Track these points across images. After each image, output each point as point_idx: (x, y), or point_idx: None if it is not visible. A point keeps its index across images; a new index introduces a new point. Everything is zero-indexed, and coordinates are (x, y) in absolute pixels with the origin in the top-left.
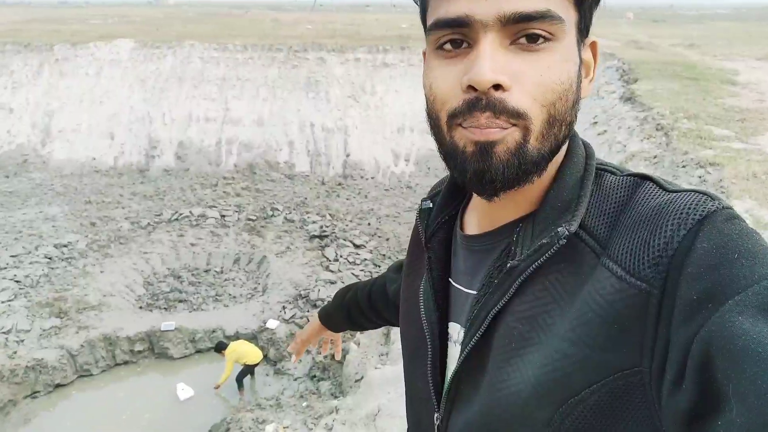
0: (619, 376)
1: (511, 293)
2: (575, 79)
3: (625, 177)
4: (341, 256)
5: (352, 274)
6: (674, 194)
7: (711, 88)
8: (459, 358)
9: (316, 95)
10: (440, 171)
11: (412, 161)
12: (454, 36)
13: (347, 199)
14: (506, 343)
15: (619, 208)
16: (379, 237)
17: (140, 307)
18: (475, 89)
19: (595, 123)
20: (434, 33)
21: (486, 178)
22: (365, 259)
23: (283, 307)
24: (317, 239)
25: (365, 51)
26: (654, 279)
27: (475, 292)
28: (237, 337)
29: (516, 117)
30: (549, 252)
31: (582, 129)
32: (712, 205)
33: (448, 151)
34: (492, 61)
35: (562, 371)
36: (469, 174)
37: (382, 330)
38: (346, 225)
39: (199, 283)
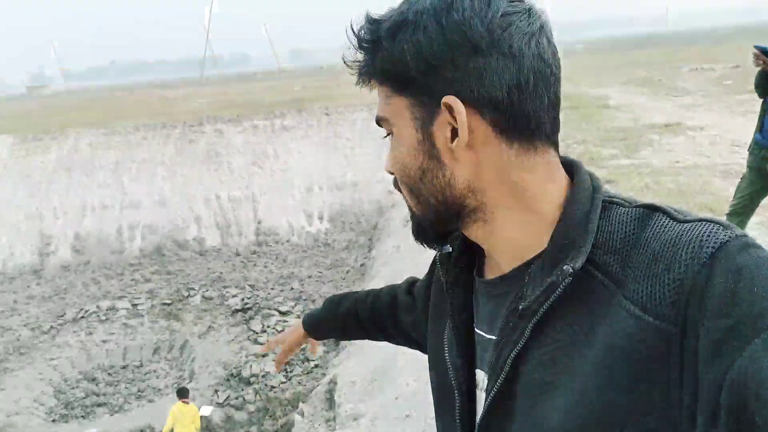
0: (649, 419)
1: (527, 336)
2: (409, 156)
3: (634, 209)
4: (268, 327)
5: None
6: (686, 225)
7: (590, 113)
8: (484, 405)
9: (218, 167)
10: (354, 225)
11: (326, 218)
12: None
13: (265, 266)
14: (530, 388)
15: (631, 243)
16: (305, 300)
17: (53, 420)
18: None
19: None
20: None
21: (415, 237)
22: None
23: (216, 391)
24: (240, 313)
25: (262, 118)
26: (673, 318)
27: (495, 338)
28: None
29: (397, 189)
30: (557, 291)
31: None
32: (725, 235)
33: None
34: (387, 154)
35: (591, 416)
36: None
37: (325, 394)
38: (268, 293)
39: (118, 381)
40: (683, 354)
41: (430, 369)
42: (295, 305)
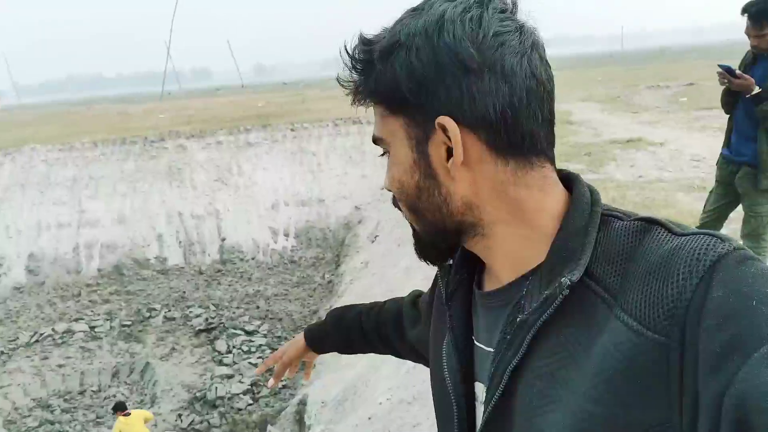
0: None
1: (525, 348)
2: (411, 174)
3: (632, 222)
4: (234, 347)
5: (249, 363)
6: (683, 238)
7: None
8: (482, 418)
9: (180, 183)
10: (321, 241)
11: (291, 235)
12: None
13: (230, 285)
14: (528, 401)
15: (628, 255)
16: (271, 319)
17: None
18: None
19: None
20: None
21: (417, 254)
22: (261, 345)
23: (179, 416)
24: (204, 333)
25: (226, 133)
26: (671, 332)
27: (492, 350)
28: None
29: (397, 206)
30: (555, 303)
31: None
32: (723, 248)
33: None
34: (386, 171)
35: (590, 430)
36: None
37: (294, 416)
38: (233, 312)
39: (74, 408)
40: (682, 368)
41: (431, 381)
42: (262, 324)
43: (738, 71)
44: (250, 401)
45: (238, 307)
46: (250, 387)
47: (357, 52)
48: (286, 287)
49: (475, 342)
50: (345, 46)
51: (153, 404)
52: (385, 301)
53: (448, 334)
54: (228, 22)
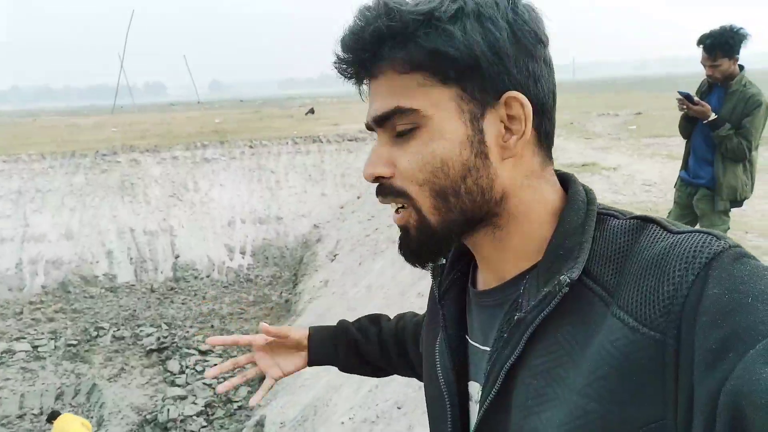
0: (644, 431)
1: (522, 346)
2: (454, 150)
3: (628, 220)
4: (187, 367)
5: (204, 384)
6: (679, 236)
7: None
8: (477, 417)
9: (133, 198)
10: (278, 259)
11: (248, 253)
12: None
13: (183, 303)
14: (524, 400)
15: (625, 253)
16: None
17: None
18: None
19: None
20: None
21: (408, 257)
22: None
23: None
24: (156, 353)
25: (182, 149)
26: (667, 328)
27: (488, 349)
28: None
29: (399, 195)
30: (554, 301)
31: None
32: (719, 246)
33: None
34: (374, 156)
35: (584, 429)
36: (402, 253)
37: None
38: (187, 332)
39: None
40: (678, 364)
41: (425, 382)
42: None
43: (696, 98)
44: (204, 423)
45: (191, 326)
46: (204, 408)
47: (397, 12)
48: (242, 306)
49: (469, 341)
50: (367, 7)
51: (100, 428)
52: (401, 314)
53: (441, 332)
54: (184, 37)
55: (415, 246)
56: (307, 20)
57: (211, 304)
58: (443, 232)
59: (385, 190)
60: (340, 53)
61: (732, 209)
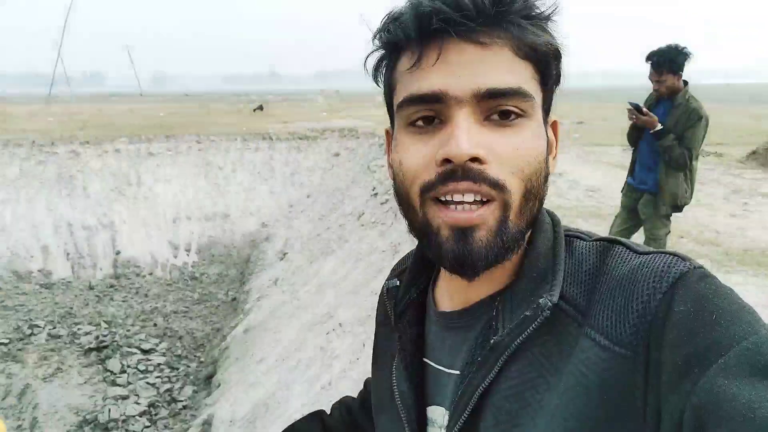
0: None
1: (497, 370)
2: (545, 154)
3: (594, 242)
4: (129, 366)
5: (147, 383)
6: (645, 257)
7: None
8: None
9: (71, 192)
10: (225, 257)
11: (193, 251)
12: (427, 112)
13: (124, 300)
14: (494, 423)
15: (594, 274)
16: (170, 336)
17: None
18: (451, 162)
19: (375, 194)
20: (406, 109)
21: (467, 262)
22: (159, 364)
23: None
24: (95, 352)
25: (126, 141)
26: (636, 345)
27: (457, 372)
28: None
29: (495, 187)
30: (533, 325)
31: (364, 200)
32: (684, 266)
33: (421, 230)
34: (468, 134)
35: None
36: (448, 259)
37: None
38: (128, 330)
39: None
40: (647, 380)
41: (375, 412)
42: (160, 342)
43: (645, 109)
44: (147, 423)
45: (133, 325)
46: (147, 408)
47: None
48: (187, 304)
49: (430, 363)
50: None
51: (33, 430)
52: (341, 399)
53: (398, 355)
54: (126, 26)
55: (485, 251)
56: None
57: (154, 302)
58: (514, 241)
59: (480, 175)
60: (448, 4)
61: (672, 214)
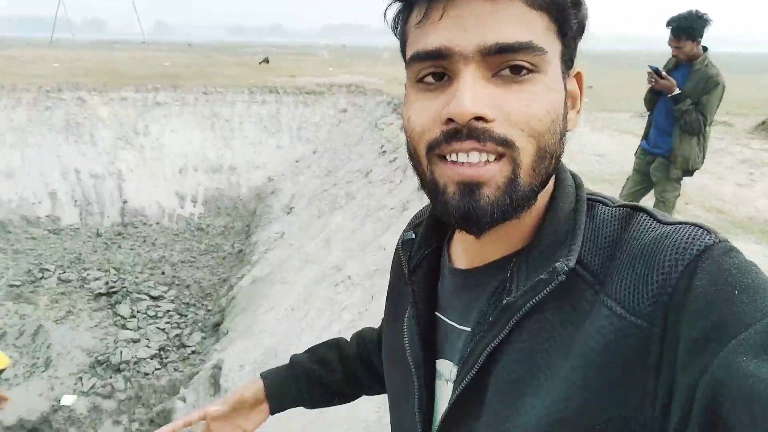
0: (622, 418)
1: (508, 330)
2: (561, 110)
3: (617, 208)
4: (138, 311)
5: (157, 328)
6: (669, 227)
7: None
8: (451, 397)
9: (78, 138)
10: (231, 210)
11: (200, 202)
12: (434, 69)
13: (132, 249)
14: (503, 383)
15: (614, 241)
16: (178, 285)
17: None
18: (454, 121)
19: (384, 152)
20: (414, 65)
21: (472, 218)
22: (168, 311)
23: (79, 378)
24: (105, 297)
25: (132, 90)
26: (654, 317)
27: (468, 329)
28: (21, 425)
29: (503, 144)
30: (547, 289)
31: (372, 158)
32: (709, 239)
33: (429, 188)
34: (473, 92)
35: (565, 413)
36: (454, 216)
37: (209, 380)
38: (136, 277)
39: None
40: (662, 353)
41: (385, 362)
42: (168, 290)
43: (664, 73)
44: (158, 366)
45: (141, 272)
46: (157, 352)
47: None
48: (194, 254)
49: (442, 317)
50: None
51: (47, 368)
52: (361, 331)
53: (410, 309)
54: None
55: (490, 208)
56: None
57: (161, 251)
58: (524, 200)
59: (485, 134)
60: None
61: (684, 178)
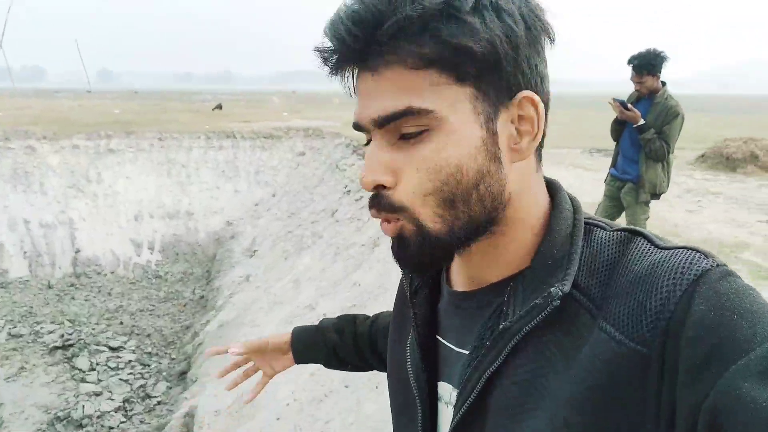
0: None
1: (505, 355)
2: (468, 157)
3: (615, 232)
4: (98, 364)
5: (120, 379)
6: (667, 252)
7: None
8: (452, 421)
9: (27, 188)
10: (189, 256)
11: (157, 249)
12: (365, 136)
13: (86, 299)
14: (503, 408)
15: (612, 266)
16: (138, 334)
17: None
18: None
19: (348, 191)
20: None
21: (407, 265)
22: (130, 361)
23: None
24: (60, 350)
25: (84, 138)
26: (653, 343)
27: (467, 352)
28: None
29: (395, 211)
30: (544, 313)
31: (336, 198)
32: (706, 263)
33: None
34: (372, 161)
35: None
36: (396, 262)
37: (181, 428)
38: (93, 329)
39: None
40: (662, 379)
41: (390, 383)
42: (128, 340)
43: (629, 105)
44: (123, 419)
45: (97, 323)
46: (121, 404)
47: (409, 5)
48: (153, 303)
49: (442, 340)
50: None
51: (0, 429)
52: (380, 313)
53: (412, 333)
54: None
55: (415, 255)
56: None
57: (118, 301)
58: (448, 241)
59: (383, 204)
60: (332, 39)
61: (652, 201)
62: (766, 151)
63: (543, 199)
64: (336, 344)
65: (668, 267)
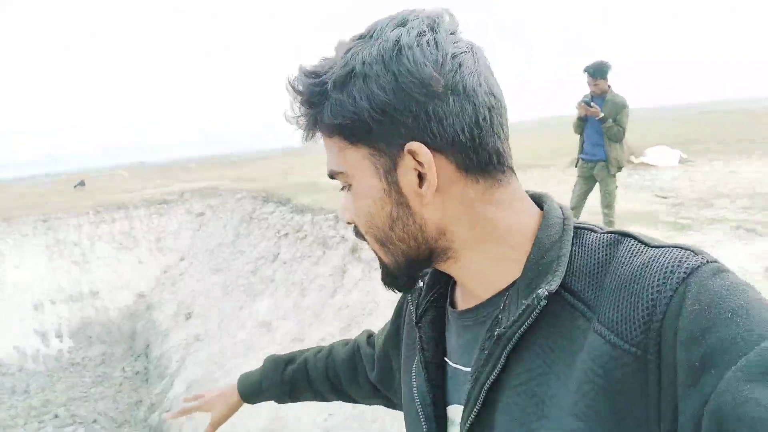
0: None
1: (503, 363)
2: (374, 206)
3: (605, 234)
4: None
5: None
6: (657, 250)
7: None
8: None
9: None
10: (104, 336)
11: (66, 335)
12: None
13: (2, 402)
14: (507, 419)
15: (603, 268)
16: (81, 423)
17: None
18: None
19: (286, 234)
20: None
21: (385, 284)
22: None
23: None
24: None
25: None
26: (647, 344)
27: (470, 369)
28: None
29: (363, 239)
30: (533, 315)
31: (273, 242)
32: (696, 261)
33: None
34: (340, 203)
35: None
36: (381, 281)
37: None
38: (25, 430)
39: None
40: (660, 379)
41: (404, 407)
42: (75, 430)
43: (592, 103)
44: None
45: (27, 423)
46: None
47: (305, 84)
48: (82, 390)
49: (450, 363)
50: (290, 80)
51: None
52: (330, 345)
53: (418, 355)
54: None
55: (385, 279)
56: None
57: (41, 396)
58: (398, 270)
59: (359, 234)
60: (289, 120)
61: (616, 174)
62: None
63: (526, 214)
64: (288, 392)
65: (658, 266)
